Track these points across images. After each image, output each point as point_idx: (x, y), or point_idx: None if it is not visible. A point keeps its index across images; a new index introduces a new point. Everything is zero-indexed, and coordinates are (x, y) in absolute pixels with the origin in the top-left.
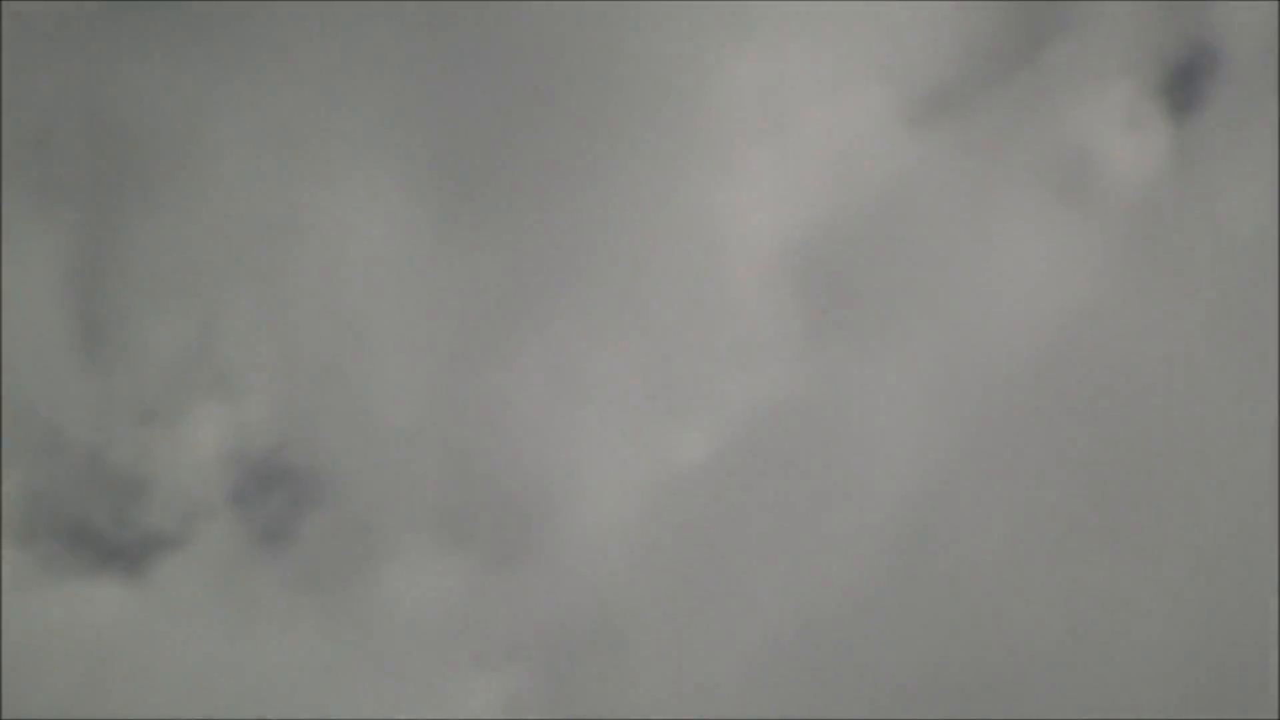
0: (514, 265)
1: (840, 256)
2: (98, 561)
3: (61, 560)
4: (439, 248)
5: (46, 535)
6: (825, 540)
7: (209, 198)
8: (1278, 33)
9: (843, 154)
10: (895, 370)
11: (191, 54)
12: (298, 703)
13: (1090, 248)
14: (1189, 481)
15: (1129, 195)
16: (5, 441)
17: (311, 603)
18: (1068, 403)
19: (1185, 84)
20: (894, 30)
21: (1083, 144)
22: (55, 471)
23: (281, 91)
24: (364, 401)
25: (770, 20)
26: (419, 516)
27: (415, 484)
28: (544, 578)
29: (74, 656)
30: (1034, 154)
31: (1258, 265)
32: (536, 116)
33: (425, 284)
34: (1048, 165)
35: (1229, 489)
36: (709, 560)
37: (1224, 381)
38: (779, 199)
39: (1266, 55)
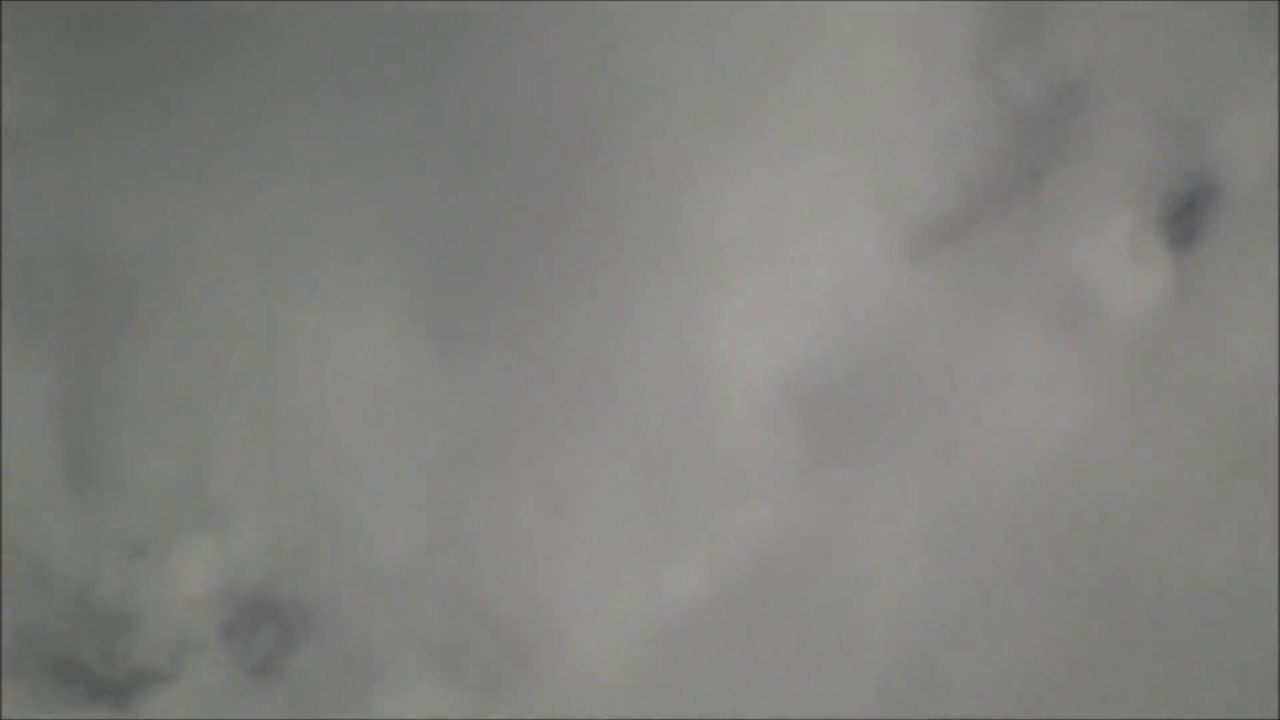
0: (509, 393)
1: (838, 387)
2: (88, 696)
3: (52, 694)
4: (433, 375)
5: (36, 669)
6: (821, 676)
7: (198, 327)
8: (1278, 165)
9: (841, 284)
10: (893, 504)
11: (178, 181)
12: None
13: (1090, 379)
14: (1191, 614)
15: (1129, 327)
16: None
17: None
18: (1067, 535)
19: (1186, 216)
20: (894, 160)
21: (1083, 275)
22: (45, 606)
23: (271, 216)
24: (357, 532)
25: (769, 150)
26: (412, 647)
27: (408, 615)
28: (538, 709)
29: None
30: (1034, 285)
31: (1258, 398)
32: (534, 243)
33: (419, 412)
34: (1048, 296)
35: (1231, 621)
36: (702, 694)
37: (1225, 514)
38: (776, 328)
39: (1267, 189)
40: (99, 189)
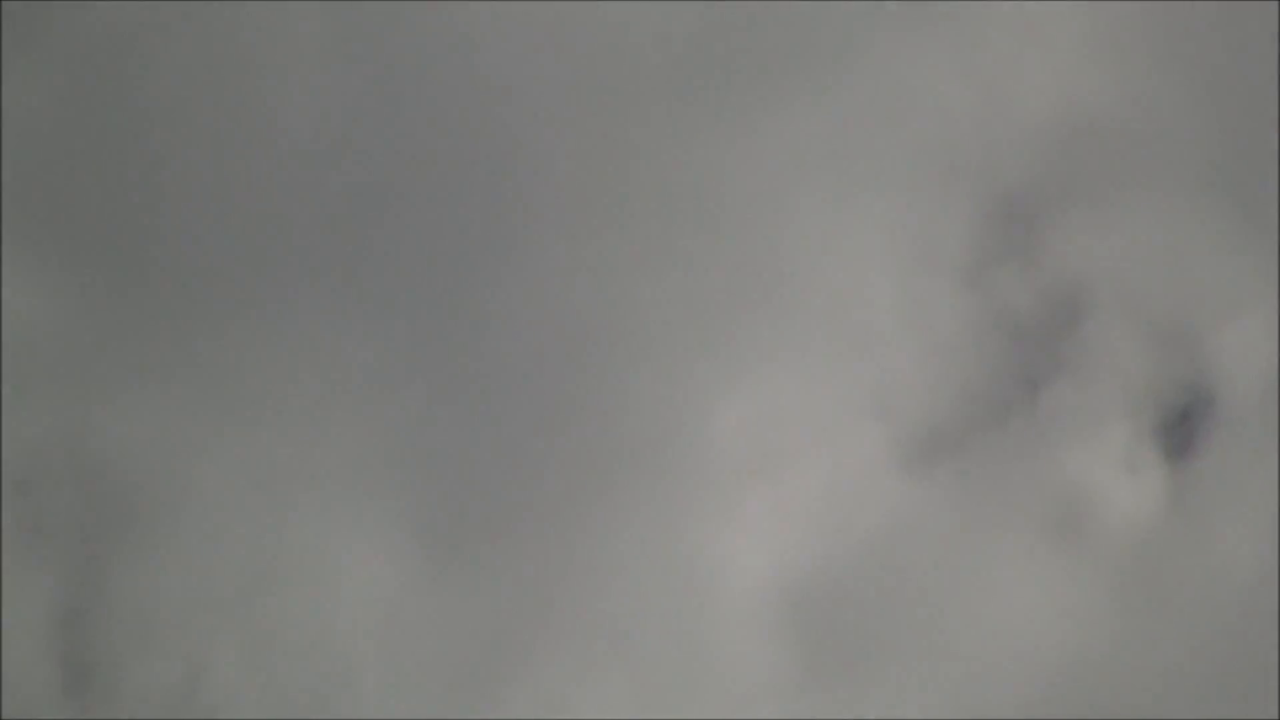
0: (504, 607)
1: (835, 600)
2: None
3: None
4: (428, 589)
5: None
6: None
7: (194, 538)
8: (1276, 377)
9: (837, 496)
10: (891, 709)
11: (180, 391)
12: None
13: (1088, 591)
14: None
15: (1126, 538)
16: None
17: None
18: None
19: (1182, 427)
20: (889, 372)
21: (1080, 486)
22: None
23: (272, 430)
24: None
25: (765, 362)
26: None
27: None
28: None
29: None
30: (1031, 496)
31: (1256, 610)
32: (531, 459)
33: (413, 626)
34: (1044, 507)
35: None
36: None
37: None
38: (773, 541)
39: (1264, 399)
40: (102, 397)
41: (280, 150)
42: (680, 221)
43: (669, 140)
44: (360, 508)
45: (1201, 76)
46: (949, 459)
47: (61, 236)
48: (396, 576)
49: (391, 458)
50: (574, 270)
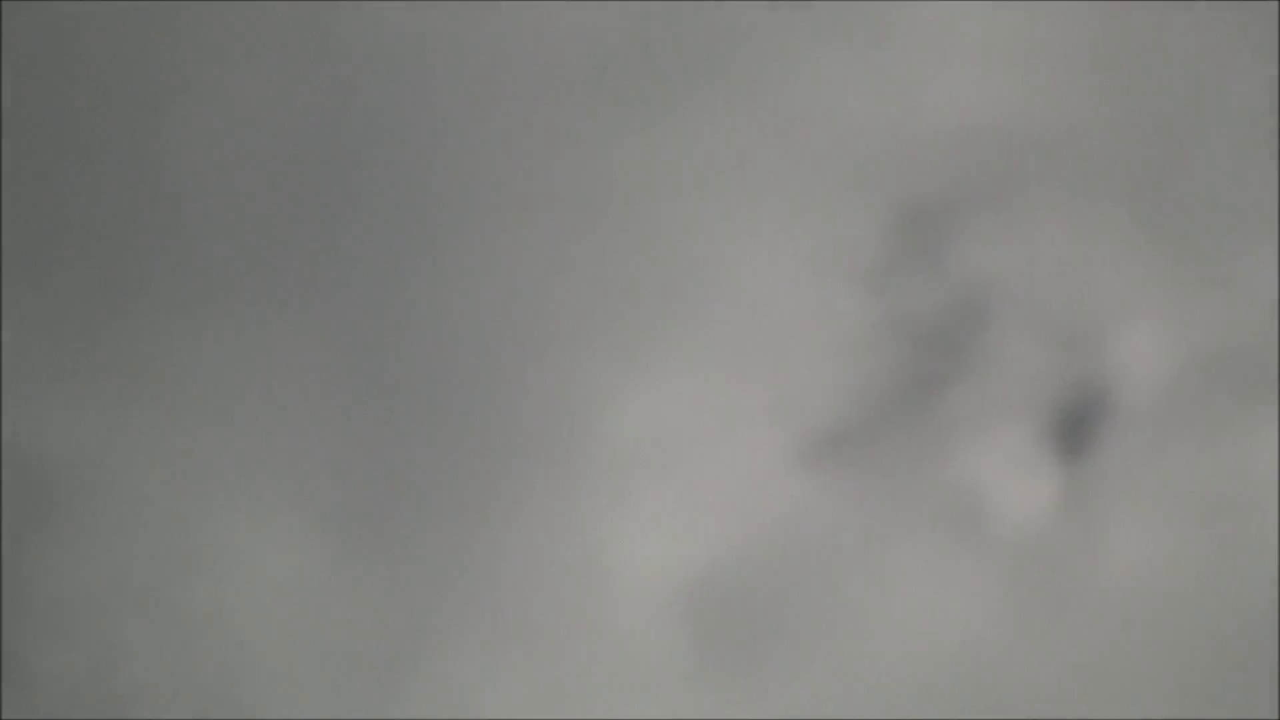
0: (410, 598)
1: (733, 594)
2: None
3: None
4: (335, 579)
5: None
6: None
7: (106, 529)
8: (1169, 379)
9: (737, 493)
10: (786, 704)
11: (88, 386)
12: None
13: (982, 588)
14: None
15: (1021, 536)
16: None
17: None
18: None
19: (1078, 428)
20: (792, 372)
21: (977, 485)
22: None
23: (179, 422)
24: None
25: (670, 361)
26: None
27: None
28: None
29: None
30: (928, 494)
31: (1144, 606)
32: (435, 451)
33: (321, 615)
34: (942, 506)
35: None
36: None
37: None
38: (673, 536)
39: (1157, 401)
40: (15, 389)
41: (189, 154)
42: (589, 222)
43: (579, 141)
44: (269, 500)
45: (1103, 84)
46: (849, 458)
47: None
48: (304, 567)
49: (299, 451)
50: (481, 268)
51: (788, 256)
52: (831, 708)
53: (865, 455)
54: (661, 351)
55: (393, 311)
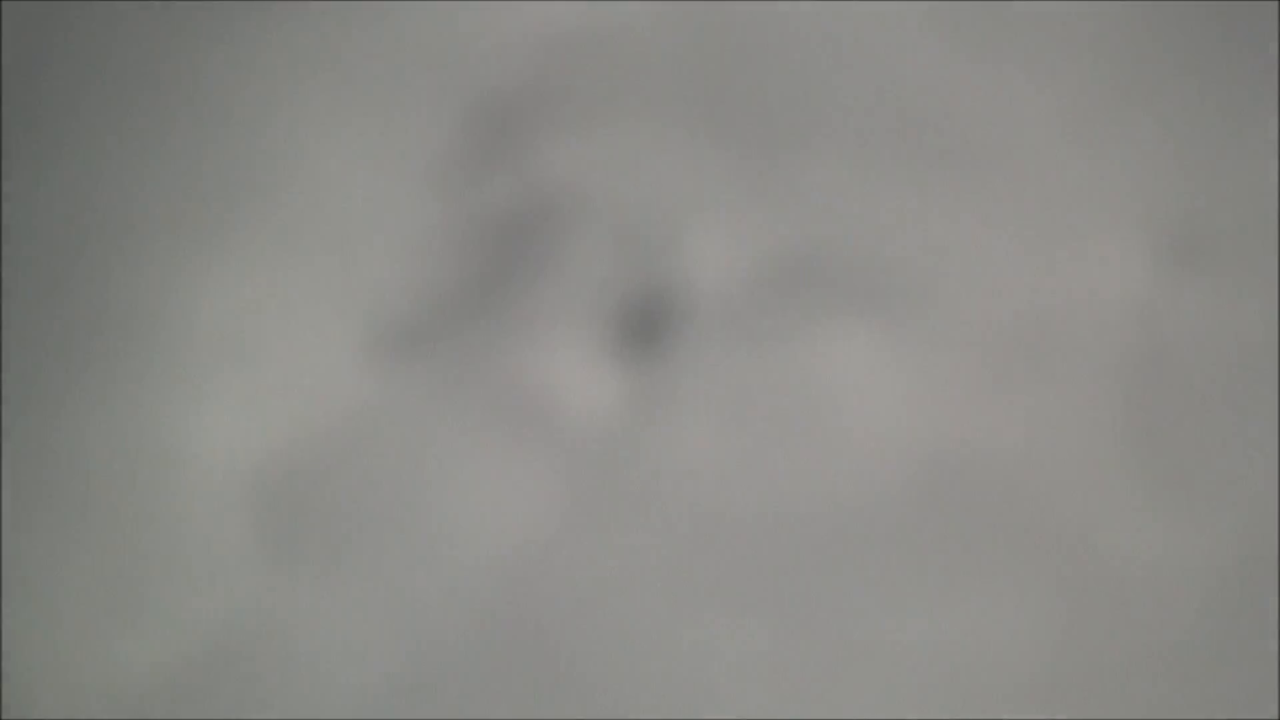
0: None
1: (299, 485)
2: None
3: None
4: None
5: None
6: None
7: None
8: (734, 283)
9: (304, 384)
10: (350, 592)
11: None
12: None
13: (547, 485)
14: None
15: (587, 436)
16: None
17: None
18: (514, 634)
19: (649, 332)
20: (361, 269)
21: (542, 385)
22: None
23: None
24: None
25: (241, 254)
26: None
27: None
28: None
29: None
30: (494, 392)
31: (709, 503)
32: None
33: None
34: (507, 404)
35: None
36: None
37: (675, 609)
38: (241, 425)
39: (729, 305)
40: None
41: None
42: (166, 109)
43: (166, 39)
44: None
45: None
46: (417, 353)
47: None
48: None
49: None
50: (67, 157)
51: (362, 151)
52: (396, 597)
53: (433, 351)
54: (234, 241)
55: None
